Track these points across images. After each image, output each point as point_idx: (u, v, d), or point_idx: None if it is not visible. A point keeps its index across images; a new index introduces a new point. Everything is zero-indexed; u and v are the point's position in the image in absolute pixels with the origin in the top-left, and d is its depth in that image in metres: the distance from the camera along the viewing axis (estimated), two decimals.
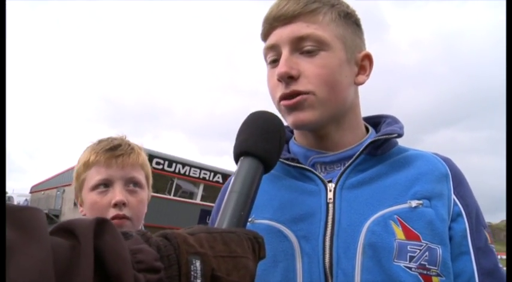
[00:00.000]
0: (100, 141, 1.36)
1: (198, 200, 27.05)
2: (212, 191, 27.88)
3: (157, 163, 24.07)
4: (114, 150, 1.30)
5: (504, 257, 0.92)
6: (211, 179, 27.43)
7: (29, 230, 0.39)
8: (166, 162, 24.77)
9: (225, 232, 0.61)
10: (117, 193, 1.26)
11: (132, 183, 1.31)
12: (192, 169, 26.42)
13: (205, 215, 26.86)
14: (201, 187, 27.18)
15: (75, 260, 0.42)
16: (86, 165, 1.33)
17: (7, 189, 39.84)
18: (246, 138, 0.79)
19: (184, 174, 26.12)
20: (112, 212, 1.25)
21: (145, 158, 1.39)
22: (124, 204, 1.26)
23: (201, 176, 26.89)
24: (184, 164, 26.00)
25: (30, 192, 35.42)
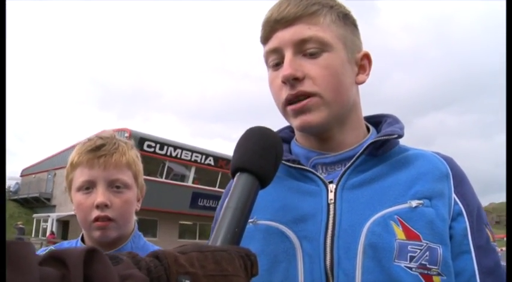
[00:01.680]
0: (87, 140, 1.36)
1: (189, 183, 27.12)
2: (204, 173, 27.93)
3: (149, 146, 24.00)
4: (96, 151, 1.30)
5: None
6: (202, 161, 27.44)
7: (18, 264, 0.40)
8: (158, 145, 24.72)
9: (217, 250, 0.62)
10: (100, 194, 1.27)
11: (115, 185, 1.30)
12: (184, 152, 26.40)
13: (196, 197, 26.95)
14: (193, 170, 27.21)
15: None
16: (72, 166, 1.34)
17: None
18: (242, 155, 0.81)
19: (175, 157, 26.10)
20: (95, 213, 1.26)
21: (134, 156, 1.38)
22: (106, 205, 1.27)
23: (192, 159, 26.90)
24: (175, 147, 25.96)
25: (21, 176, 35.16)
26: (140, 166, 1.42)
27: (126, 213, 1.33)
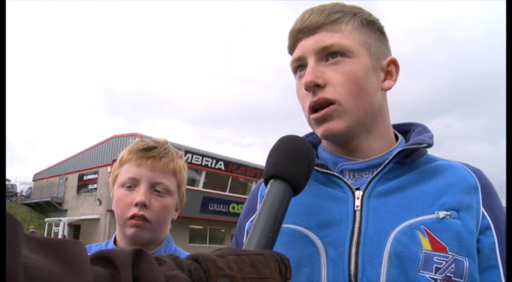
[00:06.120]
0: (141, 141, 1.40)
1: (200, 187, 27.13)
2: (214, 178, 27.95)
3: None
4: (147, 152, 1.33)
5: None
6: (213, 166, 27.49)
7: (73, 263, 0.42)
8: None
9: (253, 254, 0.64)
10: (140, 193, 1.29)
11: (157, 188, 1.32)
12: (194, 156, 26.46)
13: (207, 202, 26.97)
14: (203, 174, 27.25)
15: None
16: (121, 162, 1.37)
17: (10, 177, 40.00)
18: (275, 162, 0.82)
19: (186, 161, 25.94)
20: (133, 211, 1.28)
21: (181, 165, 1.40)
22: (145, 205, 1.28)
23: (203, 163, 26.95)
24: (186, 151, 25.77)
25: (33, 180, 35.47)
26: (185, 176, 1.43)
27: (163, 218, 1.34)
